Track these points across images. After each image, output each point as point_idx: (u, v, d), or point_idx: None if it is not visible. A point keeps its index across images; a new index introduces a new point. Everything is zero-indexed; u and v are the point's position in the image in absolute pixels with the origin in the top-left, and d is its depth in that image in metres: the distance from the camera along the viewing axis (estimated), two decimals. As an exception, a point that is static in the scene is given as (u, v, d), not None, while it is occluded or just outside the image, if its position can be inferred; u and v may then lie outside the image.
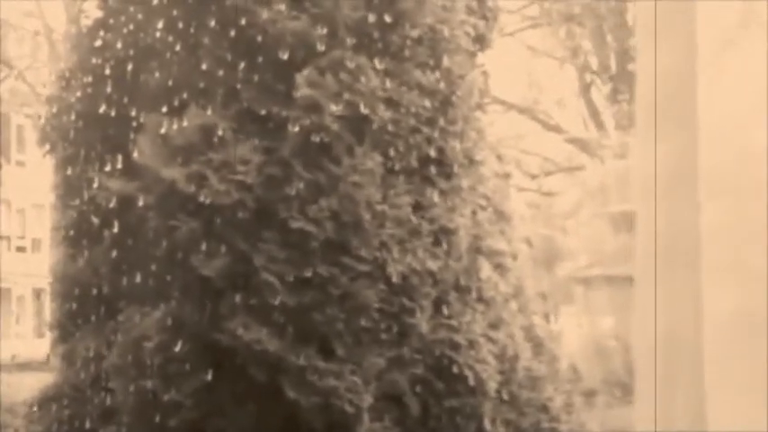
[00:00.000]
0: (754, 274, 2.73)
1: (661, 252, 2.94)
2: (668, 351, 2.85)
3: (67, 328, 6.45)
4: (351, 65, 5.93)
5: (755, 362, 2.70)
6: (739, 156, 2.78)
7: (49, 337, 6.95)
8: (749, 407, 2.68)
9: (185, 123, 5.91)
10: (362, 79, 5.91)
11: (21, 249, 36.95)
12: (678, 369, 2.82)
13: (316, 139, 5.85)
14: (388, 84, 6.04)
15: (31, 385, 6.94)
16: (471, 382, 6.11)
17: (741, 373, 2.70)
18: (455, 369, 6.10)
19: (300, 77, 5.87)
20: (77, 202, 6.34)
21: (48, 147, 6.66)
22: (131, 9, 6.28)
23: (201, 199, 5.76)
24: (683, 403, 2.80)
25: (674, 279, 2.86)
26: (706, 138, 2.79)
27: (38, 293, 35.05)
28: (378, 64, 6.04)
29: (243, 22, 5.96)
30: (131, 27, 6.27)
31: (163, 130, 5.91)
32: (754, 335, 2.70)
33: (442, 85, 6.28)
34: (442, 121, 6.28)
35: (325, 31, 5.99)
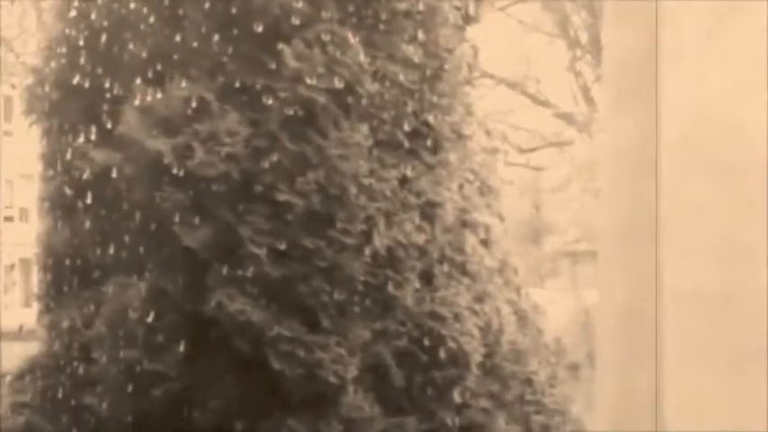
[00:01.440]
0: (713, 253, 2.77)
1: (623, 229, 2.97)
2: (629, 326, 2.90)
3: (52, 298, 6.45)
4: (337, 38, 5.92)
5: (713, 338, 2.74)
6: (703, 135, 2.82)
7: (35, 307, 6.94)
8: (706, 383, 2.73)
9: (170, 95, 5.89)
10: (349, 52, 5.90)
11: (8, 219, 36.87)
12: (638, 344, 2.86)
13: (302, 111, 5.85)
14: (375, 57, 6.03)
15: (16, 355, 6.95)
16: (455, 354, 6.14)
17: (699, 349, 2.75)
18: (440, 341, 6.13)
19: (287, 50, 5.86)
20: (62, 172, 6.33)
21: (33, 117, 6.63)
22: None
23: (187, 170, 5.76)
24: (641, 378, 2.85)
25: (634, 255, 2.90)
26: (668, 117, 2.82)
27: (24, 263, 34.99)
28: (365, 37, 6.03)
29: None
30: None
31: (148, 102, 5.89)
32: (712, 312, 2.74)
33: (429, 59, 6.27)
34: (429, 95, 6.28)
35: (312, 2, 5.97)
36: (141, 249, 5.99)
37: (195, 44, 5.97)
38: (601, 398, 3.09)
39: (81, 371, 6.10)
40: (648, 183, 2.83)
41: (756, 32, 2.86)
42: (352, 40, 5.94)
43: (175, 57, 6.03)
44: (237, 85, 5.96)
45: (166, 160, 5.77)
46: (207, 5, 5.98)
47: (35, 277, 7.00)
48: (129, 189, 5.99)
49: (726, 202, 2.76)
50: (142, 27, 6.05)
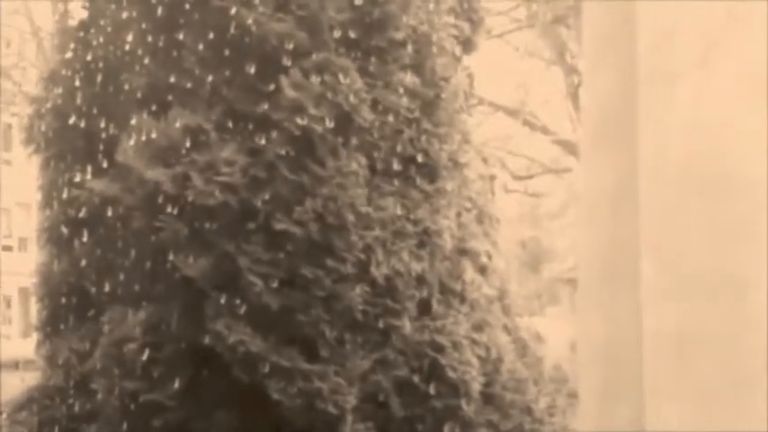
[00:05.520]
0: (692, 291, 2.79)
1: (603, 265, 2.99)
2: (609, 359, 2.91)
3: (51, 329, 6.44)
4: (335, 67, 5.94)
5: (693, 372, 2.76)
6: (685, 169, 2.84)
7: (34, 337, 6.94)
8: (689, 417, 2.74)
9: (169, 124, 5.91)
10: (347, 81, 5.92)
11: (7, 248, 36.86)
12: (619, 376, 2.88)
13: (300, 141, 5.87)
14: (373, 86, 6.06)
15: (15, 385, 6.93)
16: (455, 383, 6.13)
17: (679, 383, 2.77)
18: (439, 371, 6.12)
19: (285, 79, 5.88)
20: (61, 202, 6.33)
21: (33, 147, 6.65)
22: (115, 9, 6.28)
23: (186, 200, 5.77)
24: (623, 413, 2.86)
25: (615, 291, 2.92)
26: (646, 159, 2.84)
27: (23, 293, 34.96)
28: (362, 66, 6.05)
29: (227, 23, 5.97)
30: (115, 27, 6.27)
31: (147, 132, 5.91)
32: (694, 347, 2.76)
33: (426, 88, 6.30)
34: (426, 124, 6.30)
35: (310, 33, 6.00)
36: (140, 280, 5.99)
37: (195, 72, 5.99)
38: (582, 426, 3.11)
39: (80, 402, 6.09)
40: (629, 218, 2.85)
41: (749, 61, 2.88)
42: (350, 69, 5.97)
43: (174, 87, 6.05)
44: (236, 114, 5.98)
45: (165, 190, 5.78)
46: (203, 37, 6.00)
47: (34, 308, 7.00)
48: (127, 219, 5.99)
49: (703, 243, 2.78)
50: (151, 56, 6.08)
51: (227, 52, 5.98)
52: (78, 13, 6.66)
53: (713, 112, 2.86)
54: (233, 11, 5.92)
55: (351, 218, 5.85)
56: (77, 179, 6.23)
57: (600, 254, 3.01)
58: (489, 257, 6.94)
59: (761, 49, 2.86)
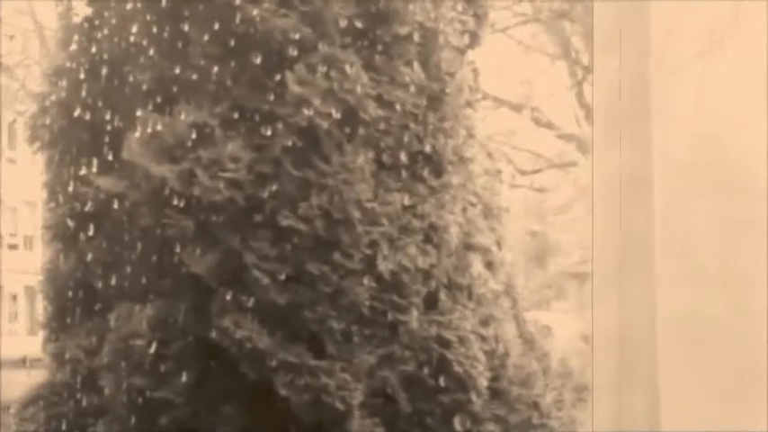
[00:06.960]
0: (707, 280, 2.79)
1: (617, 256, 2.99)
2: (624, 352, 2.91)
3: (58, 326, 6.45)
4: (340, 62, 5.94)
5: (706, 363, 2.76)
6: (699, 161, 2.84)
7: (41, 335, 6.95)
8: (703, 407, 2.74)
9: (175, 121, 5.91)
10: (352, 76, 5.91)
11: (12, 247, 36.89)
12: (633, 369, 2.88)
13: (305, 137, 5.86)
14: (378, 81, 6.05)
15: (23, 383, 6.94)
16: (461, 378, 6.12)
17: (695, 374, 2.77)
18: (445, 366, 6.11)
19: (290, 75, 5.88)
20: (67, 200, 6.33)
21: (38, 144, 6.65)
22: (120, 4, 6.28)
23: (192, 196, 5.77)
24: (638, 403, 2.86)
25: (629, 283, 2.91)
26: (661, 144, 2.84)
27: (29, 292, 35.01)
28: (367, 61, 6.05)
29: (233, 19, 5.96)
30: (121, 22, 6.26)
31: (153, 125, 5.91)
32: (706, 338, 2.76)
33: (431, 83, 6.29)
34: (431, 119, 6.29)
35: (314, 28, 5.99)
36: (146, 276, 5.99)
37: (200, 67, 5.98)
38: (597, 422, 3.11)
39: (88, 399, 6.09)
40: (642, 210, 2.85)
41: (754, 56, 2.88)
42: (355, 64, 5.96)
43: (179, 83, 6.05)
44: (241, 110, 5.98)
45: (171, 186, 5.78)
46: (209, 29, 6.00)
47: (40, 306, 6.99)
48: (134, 216, 6.00)
49: (723, 227, 2.78)
50: (156, 52, 6.08)
51: (232, 43, 5.97)
52: (82, 9, 6.65)
53: (723, 106, 2.86)
54: (238, 1, 5.91)
55: (356, 213, 5.85)
56: (83, 172, 6.23)
57: (613, 245, 3.01)
58: (497, 251, 6.93)
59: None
